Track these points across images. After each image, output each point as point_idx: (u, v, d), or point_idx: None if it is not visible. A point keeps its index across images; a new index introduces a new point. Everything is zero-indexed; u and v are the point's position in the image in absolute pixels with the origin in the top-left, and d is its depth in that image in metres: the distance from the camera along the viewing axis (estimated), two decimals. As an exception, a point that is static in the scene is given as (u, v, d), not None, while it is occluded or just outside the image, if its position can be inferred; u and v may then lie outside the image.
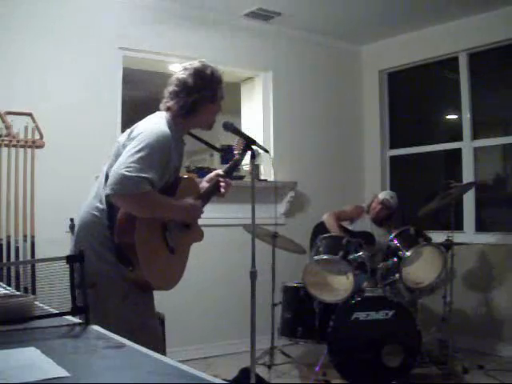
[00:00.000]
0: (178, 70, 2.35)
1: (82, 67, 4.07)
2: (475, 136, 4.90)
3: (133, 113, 4.93)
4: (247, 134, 2.52)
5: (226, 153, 4.44)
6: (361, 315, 3.60)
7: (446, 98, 5.37)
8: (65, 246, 3.49)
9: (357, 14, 4.77)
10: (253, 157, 2.47)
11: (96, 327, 1.50)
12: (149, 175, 2.03)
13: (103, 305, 2.12)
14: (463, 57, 4.92)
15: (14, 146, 3.74)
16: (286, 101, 5.16)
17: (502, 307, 4.48)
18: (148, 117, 2.32)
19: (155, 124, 2.20)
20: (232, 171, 2.57)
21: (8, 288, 2.15)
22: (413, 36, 5.20)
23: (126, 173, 2.00)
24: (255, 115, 5.19)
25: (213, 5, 4.56)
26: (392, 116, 5.64)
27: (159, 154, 2.11)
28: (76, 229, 2.26)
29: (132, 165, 2.01)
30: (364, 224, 4.42)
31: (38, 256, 3.68)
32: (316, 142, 5.31)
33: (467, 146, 4.91)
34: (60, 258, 1.58)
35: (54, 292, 1.66)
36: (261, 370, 3.70)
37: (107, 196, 2.07)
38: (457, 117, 5.11)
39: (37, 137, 3.82)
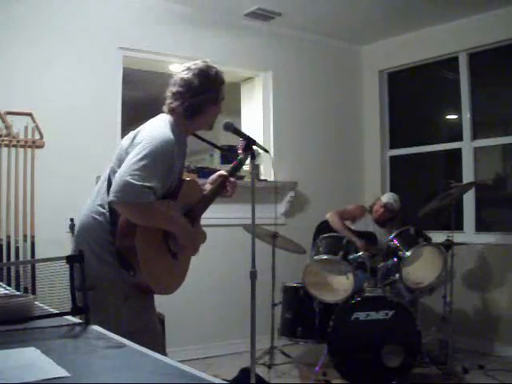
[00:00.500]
0: (181, 69, 2.32)
1: (82, 67, 4.07)
2: (475, 136, 4.90)
3: (133, 113, 4.94)
4: (247, 134, 2.52)
5: (227, 152, 4.45)
6: (361, 315, 3.60)
7: (446, 98, 5.37)
8: (65, 246, 3.51)
9: (357, 13, 4.77)
10: (253, 157, 2.46)
11: (96, 327, 1.50)
12: (152, 184, 2.02)
13: (103, 306, 2.12)
14: (463, 57, 4.92)
15: (14, 146, 3.74)
16: (286, 101, 5.16)
17: (502, 307, 4.48)
18: (151, 120, 2.29)
19: (159, 129, 2.17)
20: (235, 171, 2.56)
21: (8, 288, 2.15)
22: (413, 36, 5.20)
23: (132, 180, 1.98)
24: (255, 115, 5.19)
25: (213, 5, 4.56)
26: (392, 116, 5.64)
27: (163, 162, 2.09)
28: (76, 231, 2.25)
29: (136, 172, 1.99)
30: (366, 223, 4.42)
31: (38, 256, 3.68)
32: (316, 142, 5.31)
33: (467, 146, 4.91)
34: (60, 258, 1.58)
35: (53, 292, 1.66)
36: (261, 370, 3.71)
37: (110, 202, 2.05)
38: (457, 117, 5.11)
39: (37, 137, 3.82)
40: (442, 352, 3.96)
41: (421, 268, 3.81)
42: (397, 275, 3.76)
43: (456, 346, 3.97)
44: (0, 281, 3.07)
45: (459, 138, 4.97)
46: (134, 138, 2.18)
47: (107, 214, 2.16)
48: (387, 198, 4.37)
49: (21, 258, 3.67)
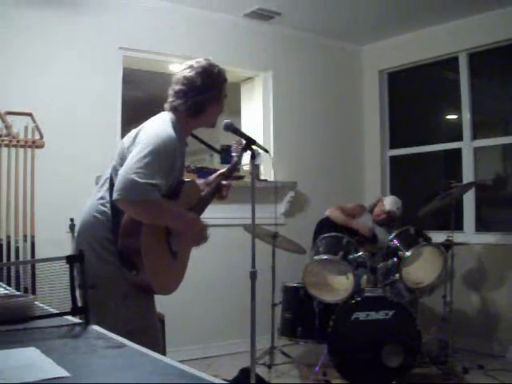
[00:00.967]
0: (183, 67, 2.31)
1: (82, 67, 4.07)
2: (475, 136, 4.90)
3: (133, 113, 4.94)
4: (247, 134, 2.52)
5: (226, 153, 4.45)
6: (361, 315, 3.60)
7: (446, 97, 5.37)
8: (65, 246, 3.52)
9: (357, 14, 4.77)
10: (253, 157, 2.46)
11: (96, 327, 1.50)
12: (157, 181, 2.02)
13: (103, 305, 2.12)
14: (463, 57, 4.92)
15: (14, 146, 3.74)
16: (286, 101, 5.16)
17: (502, 307, 4.48)
18: (152, 118, 2.29)
19: (161, 127, 2.17)
20: (232, 173, 2.57)
21: (8, 288, 2.15)
22: (413, 36, 5.20)
23: (136, 178, 1.97)
24: (255, 115, 5.19)
25: (213, 5, 4.56)
26: (392, 116, 5.64)
27: (166, 159, 2.09)
28: (77, 230, 2.25)
29: (140, 170, 1.98)
30: (366, 222, 4.42)
31: (38, 256, 3.68)
32: (316, 142, 5.31)
33: (467, 146, 4.91)
34: (60, 258, 1.58)
35: (53, 292, 1.66)
36: (261, 370, 3.70)
37: (115, 201, 2.03)
38: (457, 117, 5.11)
39: (37, 137, 3.82)
40: (442, 352, 3.96)
41: (421, 268, 3.81)
42: (397, 275, 3.76)
43: (456, 346, 3.97)
44: (0, 281, 3.07)
45: (459, 138, 4.97)
46: (136, 136, 2.17)
47: (109, 212, 2.15)
48: (390, 205, 4.36)
49: (21, 258, 3.67)
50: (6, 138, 3.70)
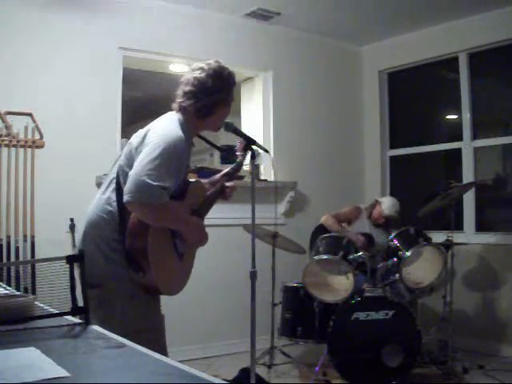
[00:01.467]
0: (193, 68, 2.30)
1: (82, 67, 4.07)
2: (475, 136, 4.90)
3: (133, 113, 4.94)
4: (247, 134, 2.52)
5: (227, 152, 4.45)
6: (361, 315, 3.60)
7: (446, 97, 5.37)
8: (65, 246, 3.52)
9: (357, 14, 4.77)
10: (253, 157, 2.46)
11: (96, 327, 1.50)
12: (168, 184, 2.02)
13: (109, 305, 2.12)
14: (463, 57, 4.92)
15: (14, 146, 3.74)
16: (286, 101, 5.16)
17: (502, 307, 4.48)
18: (160, 118, 2.29)
19: (170, 127, 2.16)
20: (236, 173, 2.57)
21: (8, 288, 2.15)
22: (413, 36, 5.20)
23: (149, 181, 1.96)
24: (255, 115, 5.19)
25: (213, 5, 4.56)
26: (392, 116, 5.64)
27: (175, 161, 2.09)
28: (83, 230, 2.23)
29: (152, 172, 1.98)
30: (362, 225, 4.42)
31: (38, 256, 3.68)
32: (316, 142, 5.31)
33: (467, 146, 4.91)
34: (60, 258, 1.58)
35: (53, 292, 1.66)
36: (261, 370, 3.70)
37: (126, 203, 2.02)
38: (457, 117, 5.11)
39: (37, 137, 3.82)
40: (442, 352, 3.96)
41: (421, 268, 3.81)
42: (397, 275, 3.76)
43: (456, 346, 3.97)
44: (0, 281, 3.07)
45: (459, 137, 4.97)
46: (145, 136, 2.16)
47: (115, 212, 2.15)
48: (389, 209, 4.34)
49: (21, 258, 3.67)
50: (6, 138, 3.70)
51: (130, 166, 2.09)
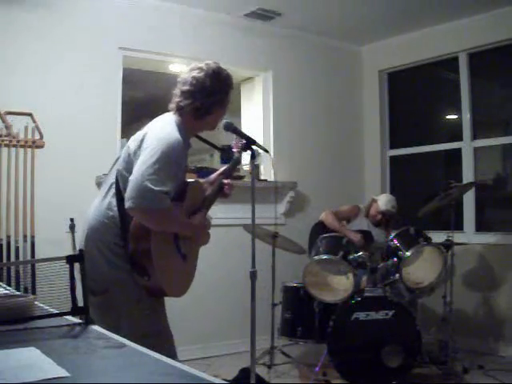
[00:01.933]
0: (192, 68, 2.29)
1: (82, 67, 4.07)
2: (475, 136, 4.90)
3: (133, 113, 4.94)
4: (247, 134, 2.52)
5: (226, 152, 4.45)
6: (361, 315, 3.60)
7: (446, 97, 5.37)
8: (65, 245, 3.52)
9: (356, 13, 4.77)
10: (253, 157, 2.46)
11: (96, 327, 1.50)
12: (168, 188, 2.02)
13: (116, 310, 2.11)
14: (463, 57, 4.92)
15: (14, 146, 3.74)
16: (286, 101, 5.16)
17: (502, 307, 4.48)
18: (156, 119, 2.28)
19: (167, 130, 2.16)
20: (232, 171, 2.57)
21: (8, 288, 2.15)
22: (413, 36, 5.20)
23: (150, 186, 1.96)
24: (255, 115, 5.19)
25: (213, 5, 4.56)
26: (392, 116, 5.64)
27: (175, 164, 2.09)
28: (85, 235, 2.22)
29: (153, 177, 1.98)
30: (361, 223, 4.42)
31: (38, 256, 3.68)
32: (316, 142, 5.31)
33: (467, 146, 4.91)
34: (60, 258, 1.58)
35: (53, 292, 1.66)
36: (261, 370, 3.70)
37: (128, 209, 2.01)
38: (457, 117, 5.11)
39: (37, 137, 3.82)
40: (442, 352, 3.96)
41: (421, 268, 3.81)
42: (397, 275, 3.76)
43: (456, 346, 3.97)
44: (0, 281, 3.07)
45: (459, 138, 4.97)
46: (143, 140, 2.15)
47: (117, 217, 2.14)
48: (385, 204, 4.34)
49: (21, 258, 3.66)
50: (6, 138, 3.70)
51: (129, 171, 2.08)
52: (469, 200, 4.80)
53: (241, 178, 4.54)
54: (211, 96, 2.24)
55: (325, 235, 4.00)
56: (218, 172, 2.56)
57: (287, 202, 5.00)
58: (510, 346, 4.36)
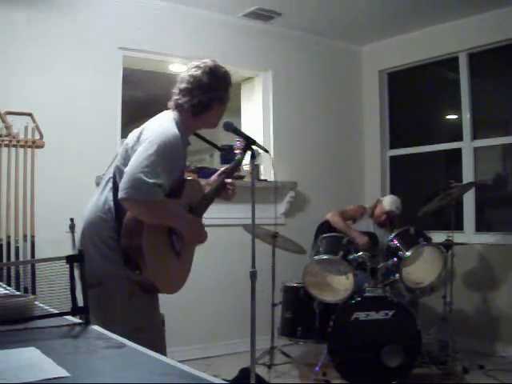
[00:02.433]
0: (190, 67, 2.31)
1: (82, 67, 4.07)
2: (475, 136, 4.90)
3: (133, 113, 4.94)
4: (247, 134, 2.52)
5: (227, 152, 4.45)
6: (361, 315, 3.60)
7: (446, 97, 5.37)
8: (65, 246, 3.52)
9: (357, 13, 4.77)
10: (253, 157, 2.46)
11: (96, 327, 1.50)
12: (162, 181, 2.02)
13: (109, 304, 2.12)
14: (463, 57, 4.92)
15: (14, 146, 3.74)
16: (286, 101, 5.16)
17: (502, 307, 4.48)
18: (156, 117, 2.29)
19: (165, 125, 2.17)
20: (234, 171, 2.57)
21: (8, 288, 2.15)
22: (413, 36, 5.20)
23: (144, 177, 1.97)
24: (255, 115, 5.19)
25: (213, 5, 4.56)
26: (392, 116, 5.63)
27: (170, 158, 2.10)
28: (81, 229, 2.24)
29: (147, 169, 1.98)
30: (367, 224, 4.42)
31: (38, 256, 3.68)
32: (316, 142, 5.31)
33: (467, 146, 4.91)
34: (60, 258, 1.58)
35: (53, 292, 1.66)
36: (261, 370, 3.70)
37: (120, 199, 2.02)
38: (457, 117, 5.11)
39: (37, 137, 3.82)
40: (442, 352, 3.96)
41: (421, 268, 3.81)
42: (397, 275, 3.76)
43: (456, 346, 3.97)
44: (0, 281, 3.07)
45: (459, 138, 4.97)
46: (140, 135, 2.17)
47: (113, 211, 2.15)
48: (390, 205, 4.35)
49: (21, 258, 3.67)
50: (6, 138, 3.70)
51: (127, 165, 2.08)
52: (469, 200, 4.80)
53: (241, 177, 4.54)
54: (209, 92, 2.25)
55: (325, 235, 4.00)
56: (217, 172, 2.56)
57: (287, 202, 5.00)
58: (509, 345, 4.36)
